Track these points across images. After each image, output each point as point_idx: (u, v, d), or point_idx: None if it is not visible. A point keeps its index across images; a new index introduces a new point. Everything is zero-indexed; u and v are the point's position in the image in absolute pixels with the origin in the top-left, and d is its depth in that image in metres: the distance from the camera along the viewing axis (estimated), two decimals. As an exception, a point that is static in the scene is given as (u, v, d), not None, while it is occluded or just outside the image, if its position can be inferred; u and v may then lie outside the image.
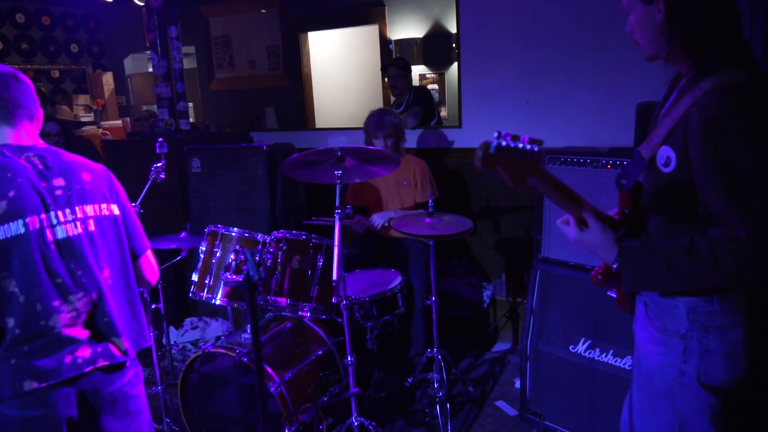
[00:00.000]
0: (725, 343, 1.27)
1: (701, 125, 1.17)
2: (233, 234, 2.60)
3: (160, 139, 2.62)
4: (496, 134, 1.13)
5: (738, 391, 1.31)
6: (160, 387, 2.68)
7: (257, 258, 1.87)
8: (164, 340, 3.06)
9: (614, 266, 1.30)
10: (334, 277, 2.19)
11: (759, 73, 1.20)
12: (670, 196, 1.29)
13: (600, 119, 3.29)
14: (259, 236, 2.64)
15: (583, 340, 2.40)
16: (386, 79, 4.41)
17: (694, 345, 1.29)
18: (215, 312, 3.82)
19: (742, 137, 1.14)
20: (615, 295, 1.58)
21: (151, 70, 5.35)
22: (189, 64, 5.70)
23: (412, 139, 3.99)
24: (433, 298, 2.76)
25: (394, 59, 4.43)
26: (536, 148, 1.14)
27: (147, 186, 2.57)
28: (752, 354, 1.28)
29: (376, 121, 3.22)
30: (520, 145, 1.13)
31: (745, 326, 1.27)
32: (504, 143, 1.12)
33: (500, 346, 3.60)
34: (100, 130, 6.43)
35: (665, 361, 1.34)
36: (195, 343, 3.62)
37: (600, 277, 1.36)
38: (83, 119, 6.62)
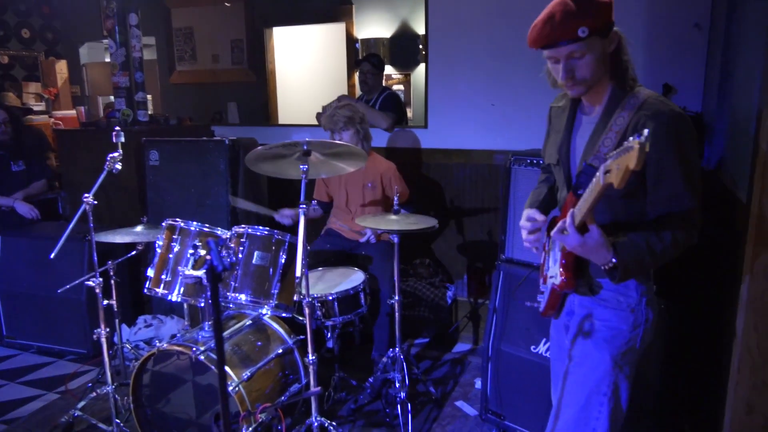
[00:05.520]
0: (654, 314, 1.60)
1: (665, 126, 1.41)
2: (192, 228, 2.51)
3: (117, 129, 2.52)
4: None
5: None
6: (110, 387, 2.57)
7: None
8: (115, 339, 2.94)
9: (611, 262, 1.42)
10: (297, 273, 2.14)
11: None
12: (621, 195, 1.49)
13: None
14: (220, 231, 2.57)
15: (544, 340, 2.42)
16: (358, 75, 4.33)
17: (641, 317, 1.58)
18: (171, 310, 3.70)
19: (690, 137, 1.45)
20: (544, 301, 1.71)
21: (108, 60, 5.16)
22: (148, 55, 5.52)
23: (378, 139, 3.96)
24: (397, 297, 2.73)
25: (369, 55, 4.33)
26: None
27: (102, 176, 2.46)
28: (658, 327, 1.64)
29: (327, 116, 3.15)
30: None
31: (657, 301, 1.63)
32: None
33: (461, 347, 3.60)
34: (52, 119, 6.18)
35: (617, 332, 1.58)
36: (149, 342, 3.50)
37: (565, 279, 1.52)
38: (34, 108, 6.35)
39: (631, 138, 1.17)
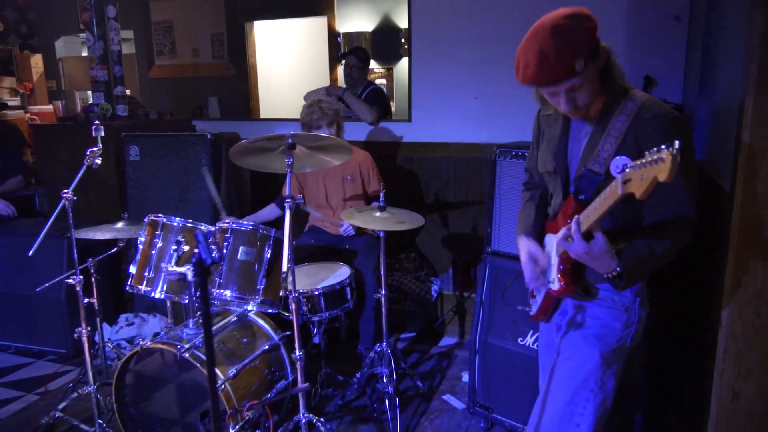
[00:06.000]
0: (646, 313, 1.62)
1: (666, 128, 1.40)
2: (175, 224, 2.47)
3: (96, 122, 2.47)
4: None
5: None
6: (92, 386, 2.52)
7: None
8: (97, 338, 2.88)
9: (615, 270, 1.42)
10: (283, 269, 2.12)
11: None
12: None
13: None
14: (203, 226, 2.53)
15: (531, 332, 2.43)
16: (343, 68, 4.30)
17: (634, 315, 1.59)
18: (153, 307, 3.64)
19: (688, 137, 1.43)
20: (537, 305, 1.71)
21: (84, 54, 5.04)
22: (127, 49, 5.42)
23: (361, 132, 3.94)
24: (384, 291, 2.72)
25: (355, 48, 4.29)
26: None
27: (81, 171, 2.40)
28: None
29: (317, 110, 3.11)
30: None
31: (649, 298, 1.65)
32: None
33: (447, 341, 3.60)
34: (27, 114, 6.04)
35: (609, 330, 1.59)
36: (131, 341, 3.44)
37: (564, 285, 1.53)
38: (9, 103, 6.20)
39: (655, 148, 1.13)
